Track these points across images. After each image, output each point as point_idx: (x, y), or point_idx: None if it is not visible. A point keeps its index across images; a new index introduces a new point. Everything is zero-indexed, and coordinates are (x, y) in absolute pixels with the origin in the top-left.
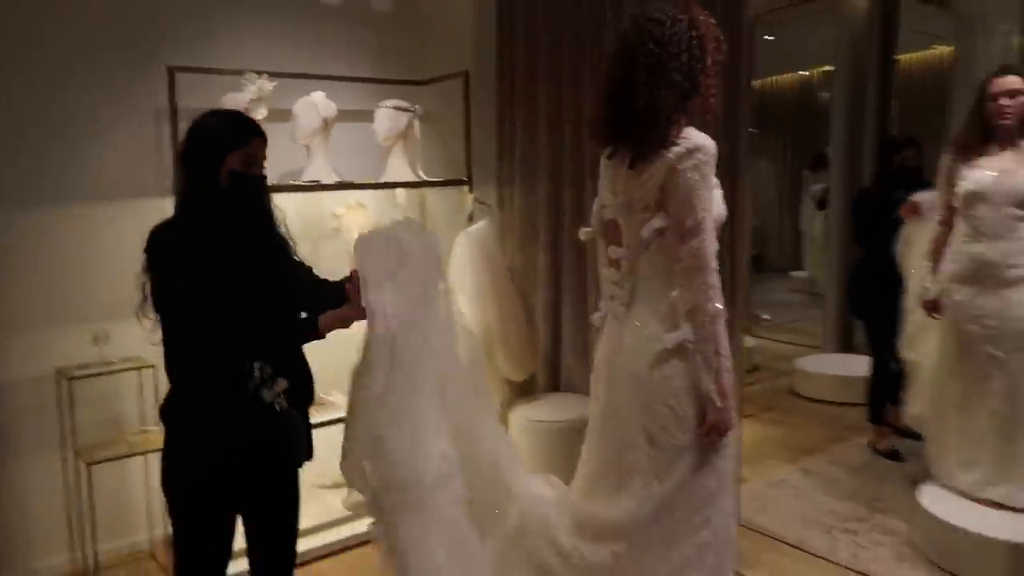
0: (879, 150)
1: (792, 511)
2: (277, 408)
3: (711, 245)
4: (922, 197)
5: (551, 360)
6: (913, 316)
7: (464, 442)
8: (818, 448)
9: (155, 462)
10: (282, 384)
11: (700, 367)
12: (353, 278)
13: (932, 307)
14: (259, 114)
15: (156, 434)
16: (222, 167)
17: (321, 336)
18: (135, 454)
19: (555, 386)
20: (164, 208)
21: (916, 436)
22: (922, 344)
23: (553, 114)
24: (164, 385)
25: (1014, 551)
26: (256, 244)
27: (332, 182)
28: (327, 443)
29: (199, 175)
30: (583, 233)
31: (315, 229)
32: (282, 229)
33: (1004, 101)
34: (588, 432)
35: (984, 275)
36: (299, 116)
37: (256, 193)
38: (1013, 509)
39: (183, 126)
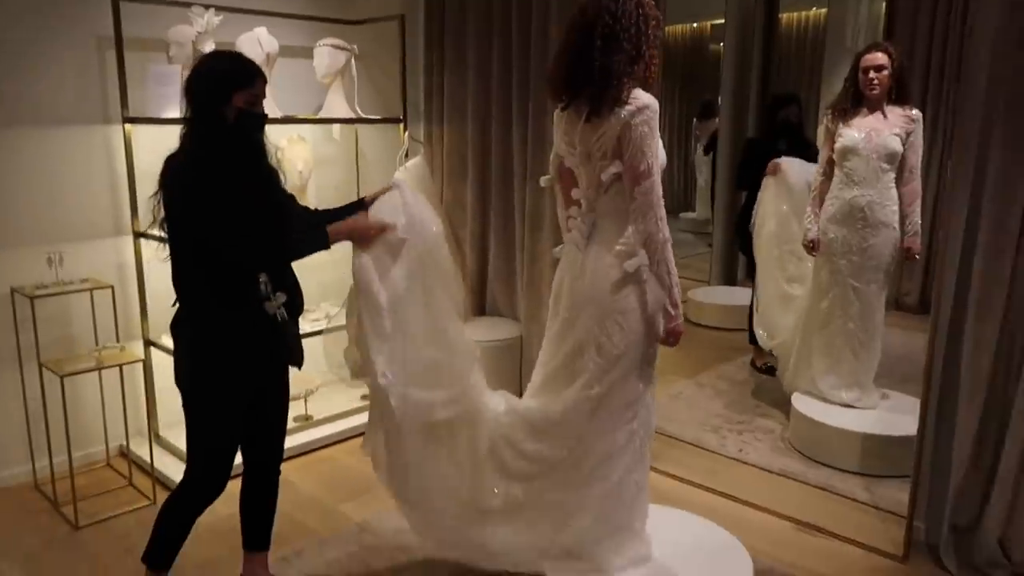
0: (765, 106)
1: (688, 417)
2: (279, 319)
3: (658, 186)
4: (784, 160)
5: (478, 287)
6: (762, 253)
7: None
8: (708, 366)
9: (114, 377)
10: (282, 297)
11: (656, 285)
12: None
13: (812, 246)
14: (207, 47)
15: (117, 351)
16: (229, 106)
17: (328, 246)
18: (106, 367)
19: (482, 310)
20: (109, 135)
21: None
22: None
23: (482, 58)
24: (124, 305)
25: (862, 439)
26: (258, 175)
27: (278, 116)
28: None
29: (207, 113)
30: (543, 180)
31: None
32: (273, 162)
33: (872, 75)
34: (546, 341)
35: (854, 217)
36: (243, 50)
37: (260, 129)
38: (861, 408)
39: (129, 54)
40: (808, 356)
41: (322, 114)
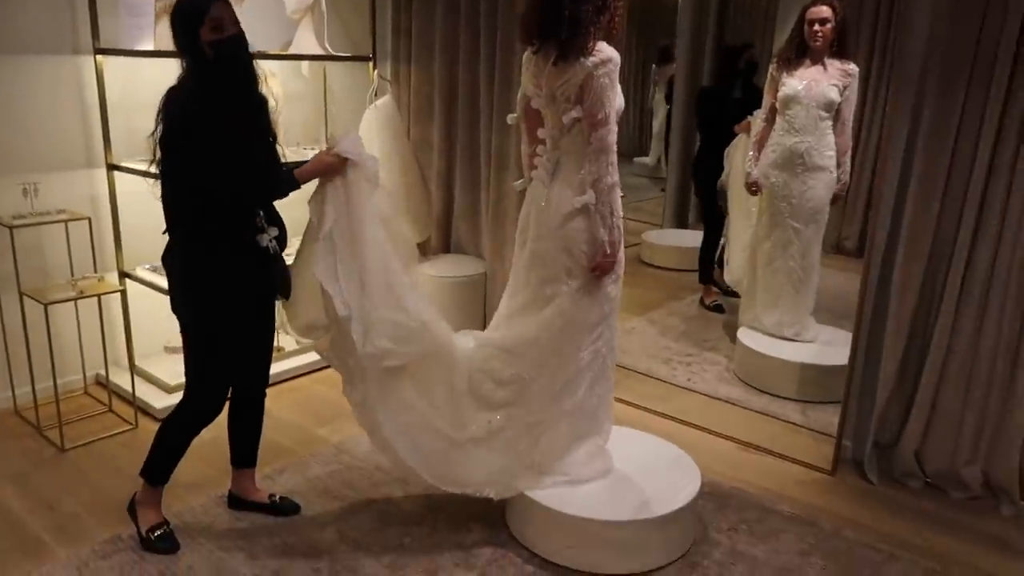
0: (722, 54)
1: (641, 350)
2: (271, 251)
3: (613, 134)
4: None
5: (444, 224)
6: (735, 203)
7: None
8: (660, 304)
9: (89, 307)
10: (273, 231)
11: (598, 223)
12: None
13: (753, 188)
14: None
15: (95, 281)
16: (201, 41)
17: (299, 186)
18: (86, 296)
19: (447, 248)
20: (79, 65)
21: (735, 294)
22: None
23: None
24: (98, 237)
25: (800, 368)
26: (252, 103)
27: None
28: None
29: (190, 55)
30: (510, 118)
31: None
32: (264, 90)
33: (816, 27)
34: (513, 272)
35: (794, 163)
36: None
37: (241, 51)
38: (800, 341)
39: None
40: (753, 293)
41: (291, 50)
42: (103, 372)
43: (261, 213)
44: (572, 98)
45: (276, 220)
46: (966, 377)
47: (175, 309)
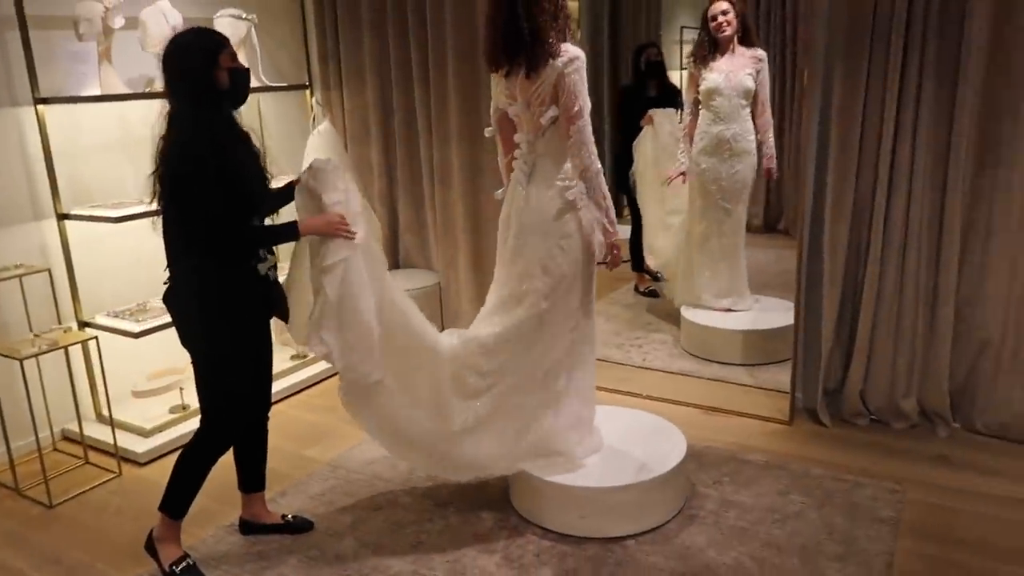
0: (633, 53)
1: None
2: (270, 278)
3: (589, 125)
4: (656, 111)
5: (390, 241)
6: (645, 192)
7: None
8: (599, 295)
9: (50, 361)
10: (272, 259)
11: (593, 209)
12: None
13: (681, 179)
14: (117, 22)
15: (62, 332)
16: (218, 70)
17: (298, 238)
18: (59, 348)
19: (396, 263)
20: (18, 117)
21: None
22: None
23: (377, 21)
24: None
25: (743, 336)
26: (248, 142)
27: None
28: None
29: (202, 84)
30: (487, 131)
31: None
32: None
33: (719, 19)
34: (497, 269)
35: (721, 148)
36: (148, 24)
37: (249, 82)
38: (739, 311)
39: (34, 33)
40: (691, 273)
41: None
42: (70, 426)
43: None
44: (547, 99)
45: (271, 250)
46: (895, 321)
47: (185, 342)
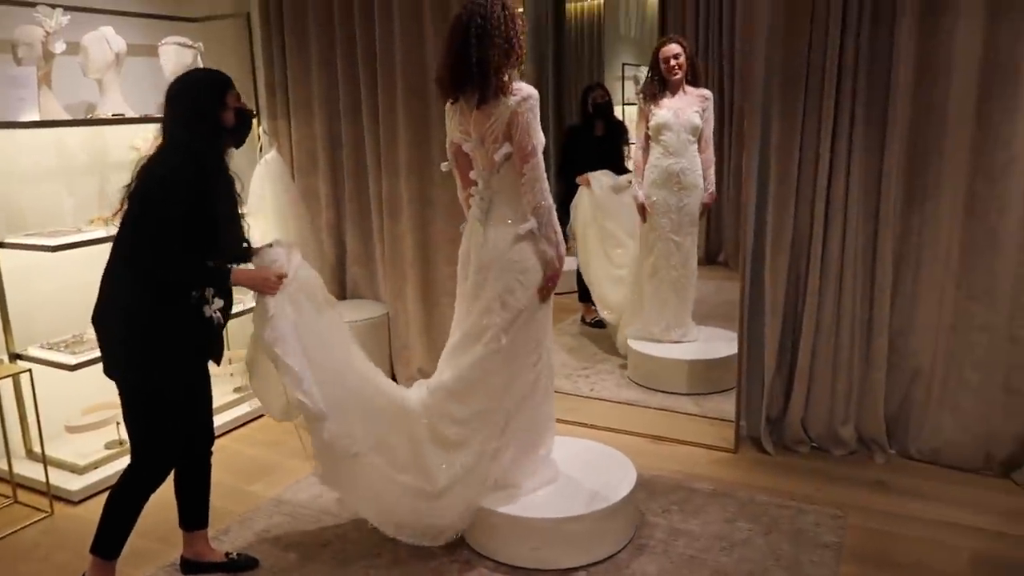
0: (581, 93)
1: None
2: (215, 321)
3: (542, 162)
4: (591, 175)
5: (338, 272)
6: (589, 249)
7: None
8: None
9: None
10: (219, 303)
11: (544, 244)
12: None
13: (641, 210)
14: (58, 48)
15: (2, 364)
16: (224, 109)
17: (227, 283)
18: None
19: (343, 294)
20: None
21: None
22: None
23: (326, 53)
24: None
25: (689, 366)
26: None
27: (136, 115)
28: None
29: (208, 121)
30: (444, 166)
31: (100, 162)
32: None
33: (672, 63)
34: (457, 305)
35: (671, 182)
36: (90, 50)
37: (251, 125)
38: (686, 342)
39: None
40: (640, 306)
41: None
42: (7, 463)
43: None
44: (500, 136)
45: (225, 293)
46: (833, 350)
47: (112, 371)
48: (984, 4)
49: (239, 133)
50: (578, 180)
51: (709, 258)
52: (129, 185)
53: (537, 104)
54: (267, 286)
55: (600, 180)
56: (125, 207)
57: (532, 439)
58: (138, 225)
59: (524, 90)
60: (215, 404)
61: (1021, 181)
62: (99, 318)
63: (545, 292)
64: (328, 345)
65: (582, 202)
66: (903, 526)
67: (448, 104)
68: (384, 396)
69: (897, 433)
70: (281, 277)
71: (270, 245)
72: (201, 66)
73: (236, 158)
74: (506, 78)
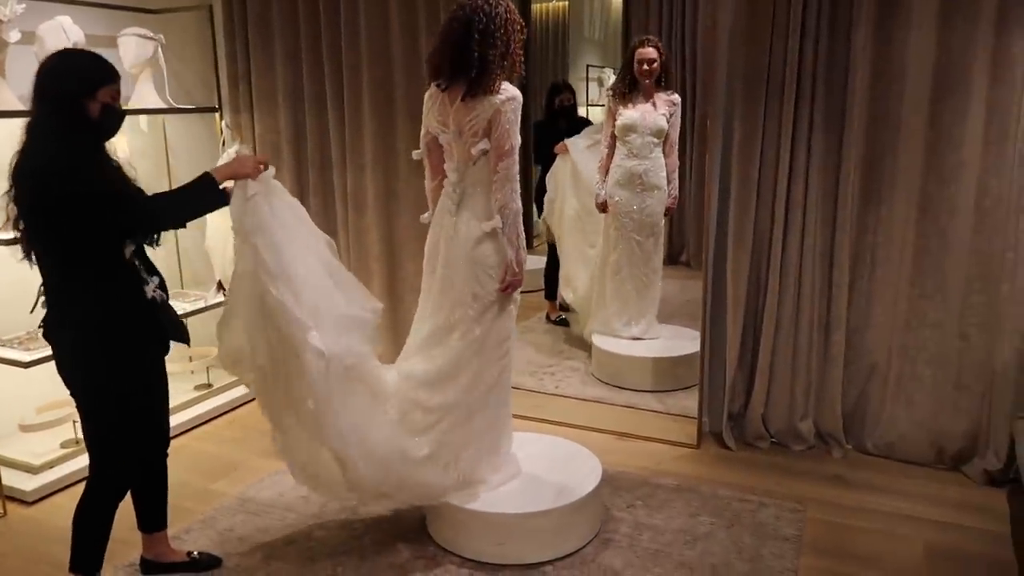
0: (547, 93)
1: None
2: (157, 300)
3: (516, 164)
4: (568, 140)
5: None
6: (565, 222)
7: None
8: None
9: None
10: (155, 280)
11: (506, 245)
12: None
13: (602, 207)
14: (12, 37)
15: None
16: (94, 101)
17: (219, 187)
18: None
19: None
20: None
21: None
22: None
23: (291, 46)
24: None
25: (653, 363)
26: (113, 170)
27: None
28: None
29: (71, 109)
30: (415, 154)
31: None
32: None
33: (646, 66)
34: (423, 297)
35: (634, 183)
36: (46, 39)
37: (120, 125)
38: (648, 339)
39: None
40: (603, 303)
41: (133, 105)
42: None
43: (138, 263)
44: (480, 132)
45: (153, 270)
46: (792, 347)
47: (67, 379)
48: (937, 11)
49: (101, 129)
50: (556, 149)
51: (672, 258)
52: (10, 190)
53: (520, 106)
54: (246, 165)
55: (576, 143)
56: (14, 213)
57: (495, 435)
58: (57, 224)
59: (509, 90)
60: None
61: (971, 183)
62: (48, 334)
63: (509, 291)
64: (310, 253)
65: (562, 171)
66: (860, 519)
67: (428, 93)
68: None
69: (854, 428)
70: (260, 161)
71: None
72: (161, 59)
73: (198, 151)
74: (497, 78)
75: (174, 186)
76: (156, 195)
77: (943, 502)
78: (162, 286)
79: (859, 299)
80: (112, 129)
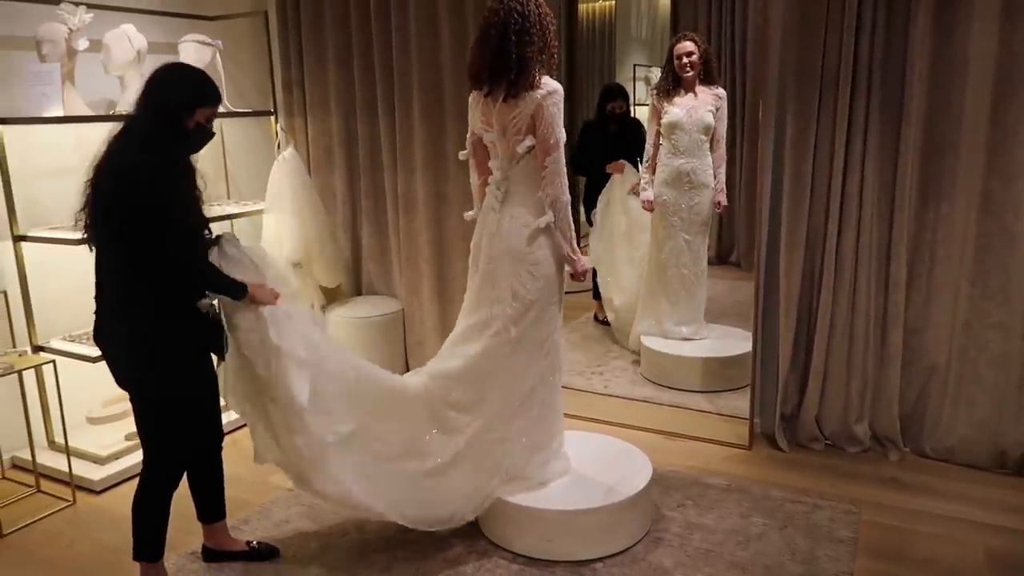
0: (600, 95)
1: None
2: (210, 315)
3: (563, 157)
4: (624, 161)
5: (353, 269)
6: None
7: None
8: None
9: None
10: (212, 296)
11: (560, 239)
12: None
13: (649, 206)
14: (81, 45)
15: (16, 356)
16: (191, 117)
17: (243, 297)
18: (15, 371)
19: (358, 290)
20: None
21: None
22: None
23: (342, 51)
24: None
25: (702, 363)
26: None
27: None
28: None
29: (168, 119)
30: (462, 154)
31: None
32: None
33: (684, 60)
34: (467, 294)
35: (681, 181)
36: (111, 47)
37: (206, 144)
38: (697, 339)
39: None
40: (652, 303)
41: None
42: (20, 454)
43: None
44: (524, 129)
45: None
46: (847, 346)
47: (121, 380)
48: (1000, 4)
49: (190, 143)
50: (612, 169)
51: (721, 258)
52: (88, 187)
53: (562, 100)
54: (268, 297)
55: (628, 177)
56: (89, 213)
57: (543, 432)
58: (134, 236)
59: (550, 84)
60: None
61: None
62: (100, 336)
63: (581, 279)
64: (306, 330)
65: (617, 186)
66: (918, 522)
67: (472, 95)
68: (370, 380)
69: (911, 431)
70: (278, 295)
71: (218, 244)
72: (219, 64)
73: (254, 154)
74: (537, 74)
75: (231, 187)
76: (204, 264)
77: (1005, 508)
78: (214, 303)
79: (917, 298)
80: (199, 146)
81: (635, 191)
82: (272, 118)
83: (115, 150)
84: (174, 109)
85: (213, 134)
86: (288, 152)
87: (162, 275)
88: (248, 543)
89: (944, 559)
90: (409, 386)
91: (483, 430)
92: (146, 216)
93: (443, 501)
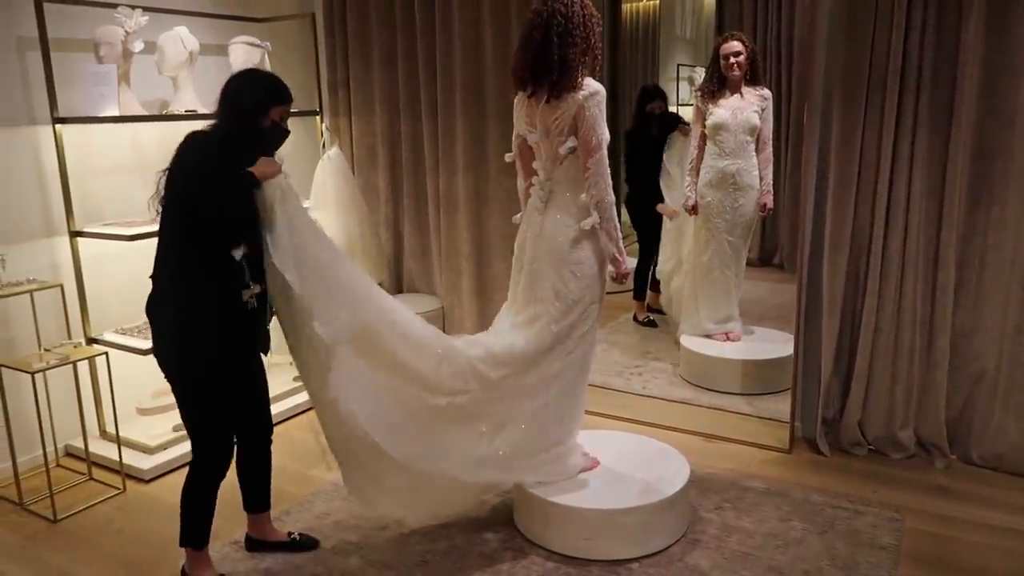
0: (637, 98)
1: (593, 366)
2: (249, 306)
3: (606, 157)
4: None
5: (394, 266)
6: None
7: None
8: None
9: (61, 377)
10: (256, 288)
11: (606, 238)
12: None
13: (692, 210)
14: (136, 47)
15: (72, 347)
16: (266, 116)
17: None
18: (70, 362)
19: (399, 288)
20: (36, 136)
21: (660, 311)
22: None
23: (386, 52)
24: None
25: (741, 365)
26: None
27: (208, 112)
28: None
29: (243, 121)
30: (507, 156)
31: None
32: None
33: (731, 60)
34: (511, 291)
35: (726, 183)
36: (165, 49)
37: (283, 142)
38: (734, 338)
39: (55, 55)
40: (694, 303)
41: None
42: (73, 442)
43: (246, 268)
44: (566, 130)
45: (259, 277)
46: (892, 350)
47: (162, 364)
48: None
49: (266, 142)
50: (665, 213)
51: (764, 260)
52: (162, 176)
53: (604, 100)
54: (272, 167)
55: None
56: (162, 195)
57: (550, 428)
58: (180, 207)
59: (592, 86)
60: (273, 393)
61: None
62: (150, 307)
63: (621, 282)
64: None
65: (675, 146)
66: (964, 531)
67: (517, 96)
68: (388, 301)
69: (958, 438)
70: (278, 167)
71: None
72: (268, 65)
73: (300, 153)
74: (579, 75)
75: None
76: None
77: None
78: (260, 297)
79: (966, 302)
80: (276, 144)
81: (670, 216)
82: (318, 118)
83: (194, 143)
84: (248, 111)
85: (288, 131)
86: (333, 151)
87: (209, 235)
88: (289, 534)
89: (991, 569)
90: (429, 326)
91: (484, 396)
92: (186, 181)
93: (433, 445)
